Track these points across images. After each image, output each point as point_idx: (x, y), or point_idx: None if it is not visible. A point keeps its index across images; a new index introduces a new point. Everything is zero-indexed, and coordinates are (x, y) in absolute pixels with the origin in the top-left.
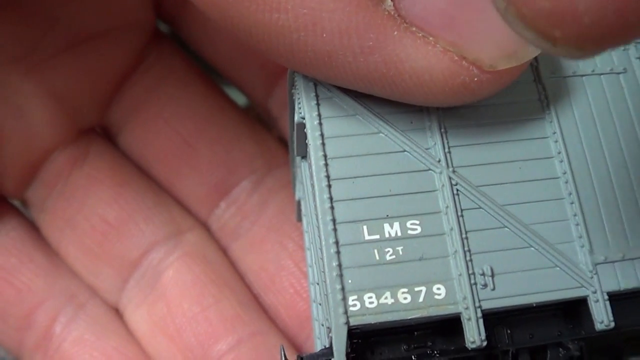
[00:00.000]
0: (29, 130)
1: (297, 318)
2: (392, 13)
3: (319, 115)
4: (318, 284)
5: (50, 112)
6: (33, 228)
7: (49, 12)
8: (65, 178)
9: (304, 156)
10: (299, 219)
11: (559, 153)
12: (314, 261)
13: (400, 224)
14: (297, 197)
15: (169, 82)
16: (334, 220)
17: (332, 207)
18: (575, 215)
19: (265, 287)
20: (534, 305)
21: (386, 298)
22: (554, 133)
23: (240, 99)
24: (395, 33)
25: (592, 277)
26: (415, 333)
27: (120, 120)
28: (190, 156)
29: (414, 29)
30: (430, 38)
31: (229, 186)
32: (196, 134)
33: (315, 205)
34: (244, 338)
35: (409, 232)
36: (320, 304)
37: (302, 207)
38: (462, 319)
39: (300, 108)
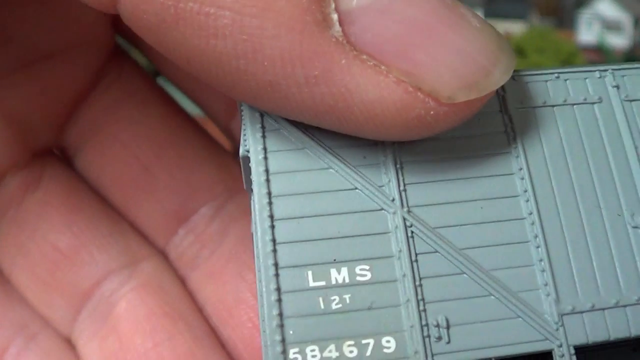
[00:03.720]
0: None
1: (256, 354)
2: (341, 40)
3: (265, 148)
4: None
5: (2, 134)
6: None
7: (1, 31)
8: (18, 203)
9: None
10: None
11: (525, 191)
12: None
13: (348, 269)
14: (252, 230)
15: (128, 102)
16: (276, 265)
17: (274, 250)
18: (541, 260)
19: (223, 320)
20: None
21: (330, 351)
22: (520, 169)
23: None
24: (344, 61)
25: (557, 329)
26: None
27: (76, 143)
28: (148, 181)
29: (364, 57)
30: (383, 67)
31: (188, 213)
32: (155, 157)
33: (258, 247)
34: None
35: (358, 278)
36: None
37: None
38: None
39: (245, 140)
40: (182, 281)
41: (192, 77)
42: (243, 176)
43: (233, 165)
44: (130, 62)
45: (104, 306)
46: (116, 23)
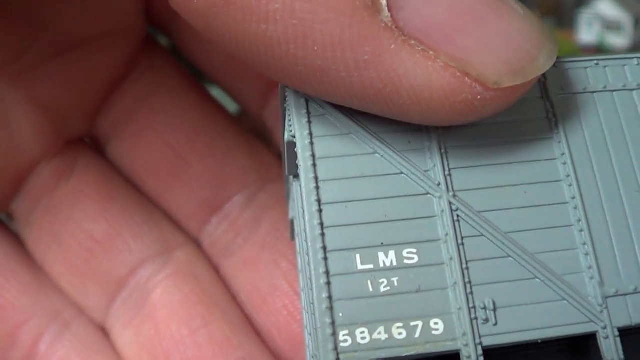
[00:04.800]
0: (14, 140)
1: (291, 342)
2: (390, 25)
3: (311, 134)
4: (309, 312)
5: (36, 122)
6: (18, 242)
7: (36, 18)
8: (51, 191)
9: (296, 175)
10: (293, 238)
11: (568, 176)
12: (305, 287)
13: (396, 252)
14: (290, 216)
15: (160, 91)
16: (324, 248)
17: (322, 234)
18: (584, 244)
19: (258, 308)
20: (539, 341)
21: (380, 333)
22: (563, 154)
23: (232, 106)
24: (393, 46)
25: (601, 312)
26: None
27: (109, 131)
28: (181, 169)
29: (413, 42)
30: (431, 52)
31: (221, 201)
32: (188, 146)
33: (305, 231)
34: None
35: (406, 261)
36: (310, 334)
37: (295, 227)
38: (461, 356)
39: (290, 126)
40: (216, 269)
41: (226, 68)
42: (285, 161)
43: (265, 153)
44: (162, 51)
45: (139, 294)
46: (149, 12)
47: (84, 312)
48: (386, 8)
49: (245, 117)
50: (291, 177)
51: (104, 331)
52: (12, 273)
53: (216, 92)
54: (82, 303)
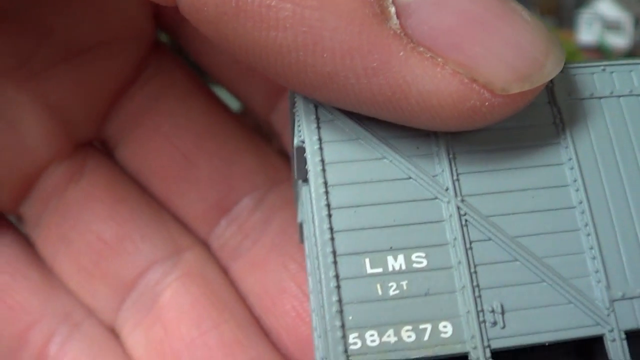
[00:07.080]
0: (24, 144)
1: (300, 342)
2: (398, 32)
3: (320, 139)
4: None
5: (45, 126)
6: (28, 244)
7: (45, 22)
8: (60, 193)
9: (305, 180)
10: (302, 240)
11: (575, 181)
12: (314, 290)
13: (404, 256)
14: (299, 220)
15: (168, 94)
16: (334, 253)
17: (332, 239)
18: (591, 248)
19: (267, 309)
20: (546, 344)
21: (389, 336)
22: (570, 159)
23: (234, 104)
24: (402, 54)
25: (608, 315)
26: None
27: (117, 134)
28: (190, 172)
29: (421, 49)
30: (439, 59)
31: (230, 203)
32: (196, 149)
33: (315, 235)
34: None
35: (414, 265)
36: (320, 336)
37: (304, 231)
38: (470, 359)
39: (300, 131)
40: (225, 271)
41: (233, 71)
42: (295, 165)
43: (273, 156)
44: (171, 54)
45: (149, 295)
46: (158, 16)
47: (93, 314)
48: (395, 15)
49: (248, 115)
50: (300, 181)
51: (113, 332)
52: (22, 274)
53: (218, 91)
54: (91, 304)
